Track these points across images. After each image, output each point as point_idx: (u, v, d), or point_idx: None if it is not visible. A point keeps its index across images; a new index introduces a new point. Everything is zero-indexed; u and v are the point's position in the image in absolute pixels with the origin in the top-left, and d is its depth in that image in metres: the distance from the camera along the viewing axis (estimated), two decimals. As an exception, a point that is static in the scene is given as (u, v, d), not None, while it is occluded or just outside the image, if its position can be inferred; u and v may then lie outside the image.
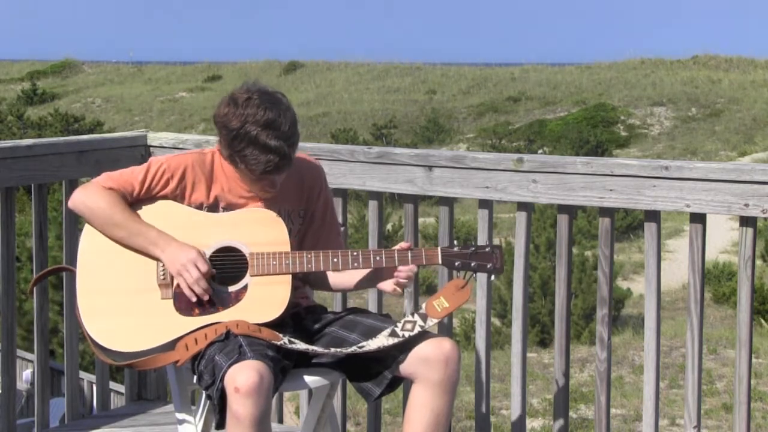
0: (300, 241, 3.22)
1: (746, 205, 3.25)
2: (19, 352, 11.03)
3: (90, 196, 3.06)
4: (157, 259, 3.04)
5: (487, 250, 3.10)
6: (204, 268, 2.99)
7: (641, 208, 3.41)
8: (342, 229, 3.67)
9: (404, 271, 3.07)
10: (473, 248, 3.10)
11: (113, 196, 3.05)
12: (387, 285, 3.13)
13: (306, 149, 3.53)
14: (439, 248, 3.11)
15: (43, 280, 3.61)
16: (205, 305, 3.00)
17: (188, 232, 3.05)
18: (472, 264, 3.09)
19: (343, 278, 3.25)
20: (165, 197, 3.10)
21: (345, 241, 3.67)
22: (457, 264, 3.09)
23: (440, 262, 3.09)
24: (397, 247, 3.09)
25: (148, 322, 2.99)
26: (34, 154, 3.85)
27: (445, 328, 3.72)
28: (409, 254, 3.07)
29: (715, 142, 40.60)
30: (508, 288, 17.03)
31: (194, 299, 2.99)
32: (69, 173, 3.97)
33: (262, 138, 2.95)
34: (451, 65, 58.75)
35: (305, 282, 3.31)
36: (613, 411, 10.73)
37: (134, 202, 3.08)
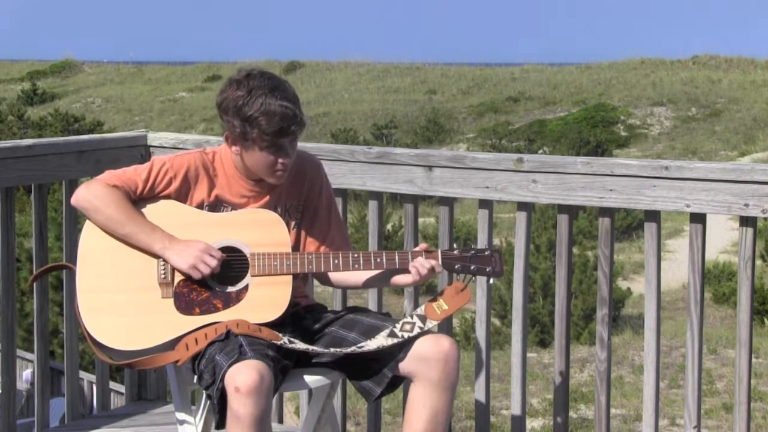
0: (303, 237, 3.23)
1: (746, 205, 3.25)
2: (19, 352, 11.03)
3: (94, 193, 3.06)
4: (159, 258, 3.04)
5: (486, 253, 3.10)
6: (218, 255, 3.00)
7: (641, 208, 3.41)
8: (341, 219, 3.66)
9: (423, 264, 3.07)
10: (473, 251, 3.10)
11: (117, 194, 3.05)
12: (405, 277, 3.11)
13: (306, 149, 3.53)
14: (439, 251, 3.11)
15: (43, 276, 3.60)
16: (206, 305, 3.01)
17: (189, 232, 3.06)
18: (472, 267, 3.09)
19: (352, 276, 3.24)
20: (167, 196, 3.11)
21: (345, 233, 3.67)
22: (456, 267, 3.10)
23: (440, 264, 3.09)
24: (417, 248, 3.10)
25: (148, 320, 2.99)
26: (34, 154, 3.85)
27: (445, 328, 3.71)
28: (410, 256, 3.07)
29: (715, 142, 40.60)
30: (508, 288, 17.04)
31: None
32: (69, 173, 3.97)
33: (271, 99, 2.99)
34: (451, 65, 58.78)
35: (315, 278, 3.31)
36: (613, 411, 10.73)
37: (137, 200, 3.09)
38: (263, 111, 2.97)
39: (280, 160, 3.07)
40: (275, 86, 3.02)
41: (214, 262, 2.99)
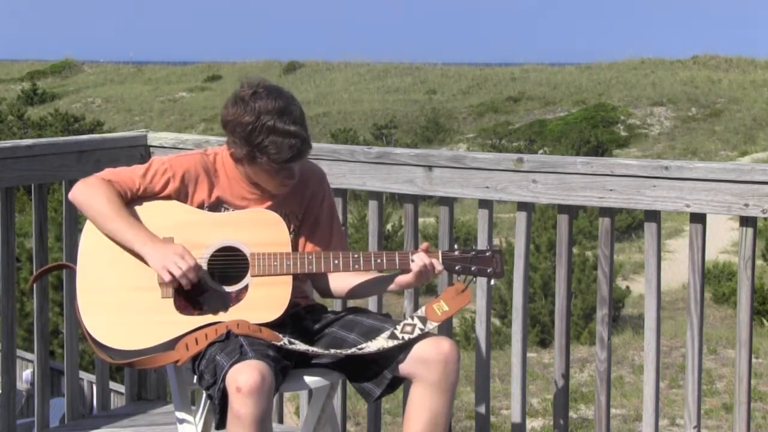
0: (303, 244, 3.22)
1: (746, 205, 3.25)
2: (19, 352, 11.02)
3: (88, 188, 3.07)
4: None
5: (487, 254, 3.10)
6: (191, 261, 2.97)
7: (641, 208, 3.41)
8: (342, 229, 3.67)
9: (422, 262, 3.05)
10: (474, 252, 3.10)
11: (111, 190, 3.05)
12: (405, 278, 3.09)
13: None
14: (439, 251, 3.10)
15: (43, 276, 3.60)
16: (206, 305, 3.01)
17: (190, 232, 3.06)
18: (473, 268, 3.09)
19: (351, 281, 3.24)
20: (167, 196, 3.10)
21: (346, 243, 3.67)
22: (457, 268, 3.09)
23: (440, 264, 3.08)
24: (421, 247, 3.09)
25: (148, 320, 2.99)
26: (34, 154, 3.85)
27: (445, 328, 3.71)
28: (410, 256, 3.07)
29: (715, 142, 40.62)
30: (508, 288, 17.04)
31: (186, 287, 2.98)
32: (69, 173, 3.97)
33: (280, 125, 2.97)
34: (451, 65, 58.86)
35: (316, 290, 3.31)
36: (613, 411, 10.72)
37: (134, 199, 3.09)
38: (272, 141, 2.96)
39: (286, 180, 3.08)
40: (283, 109, 2.99)
41: (185, 266, 2.95)
